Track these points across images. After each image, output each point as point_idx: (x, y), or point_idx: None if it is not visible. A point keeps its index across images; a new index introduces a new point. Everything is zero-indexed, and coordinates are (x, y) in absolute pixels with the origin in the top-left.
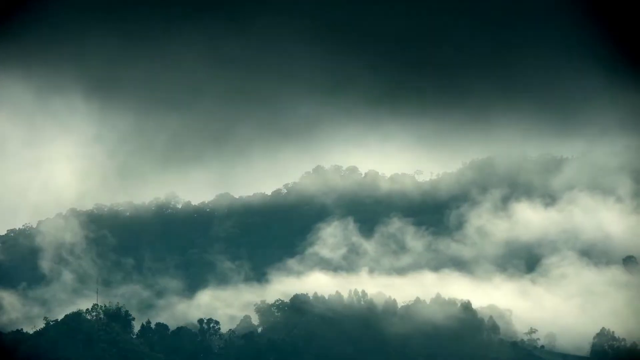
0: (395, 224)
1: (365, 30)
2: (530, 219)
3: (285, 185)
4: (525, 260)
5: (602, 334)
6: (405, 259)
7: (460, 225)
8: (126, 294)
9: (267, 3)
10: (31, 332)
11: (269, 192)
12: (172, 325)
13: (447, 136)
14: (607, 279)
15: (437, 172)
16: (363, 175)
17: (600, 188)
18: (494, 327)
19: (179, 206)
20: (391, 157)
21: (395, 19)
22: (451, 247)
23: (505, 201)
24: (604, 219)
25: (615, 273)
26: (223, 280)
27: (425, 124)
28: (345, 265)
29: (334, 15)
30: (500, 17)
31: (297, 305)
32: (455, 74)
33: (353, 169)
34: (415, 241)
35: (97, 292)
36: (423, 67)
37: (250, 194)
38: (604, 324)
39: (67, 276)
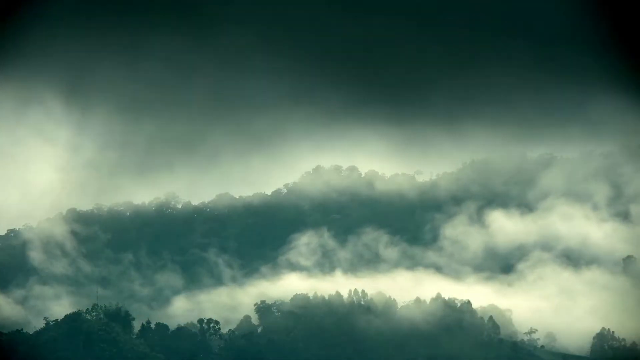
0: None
1: (328, 40)
2: (507, 227)
3: (285, 185)
4: (503, 265)
5: (602, 334)
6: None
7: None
8: (125, 294)
9: (234, 14)
10: (31, 332)
11: (269, 192)
12: (172, 325)
13: (424, 141)
14: (586, 280)
15: (437, 172)
16: (363, 175)
17: (577, 195)
18: (494, 327)
19: (179, 206)
20: (391, 157)
21: (358, 27)
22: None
23: (484, 207)
24: (581, 226)
25: (596, 273)
26: (221, 280)
27: (392, 132)
28: (345, 266)
29: (298, 25)
30: (463, 26)
31: (297, 305)
32: (418, 81)
33: (353, 169)
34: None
35: (96, 292)
36: (385, 77)
37: (251, 194)
38: (580, 323)
39: (67, 276)
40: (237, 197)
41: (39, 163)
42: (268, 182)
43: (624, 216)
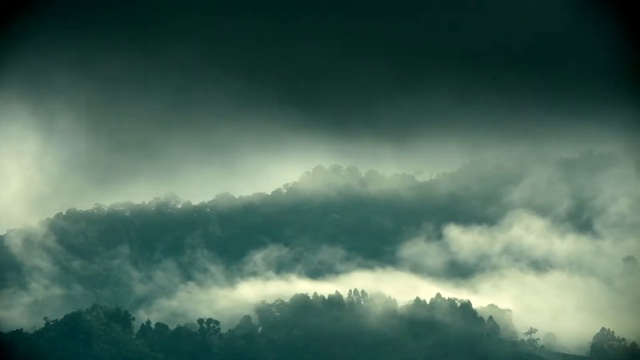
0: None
1: (274, 60)
2: (468, 242)
3: (285, 185)
4: (465, 274)
5: (602, 333)
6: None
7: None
8: (124, 294)
9: (184, 33)
10: (31, 332)
11: (269, 192)
12: (172, 325)
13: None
14: (550, 281)
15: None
16: (363, 175)
17: (538, 207)
18: (494, 327)
19: (179, 206)
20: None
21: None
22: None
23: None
24: (543, 237)
25: (561, 275)
26: (219, 280)
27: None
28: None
29: (246, 42)
30: (409, 49)
31: (297, 305)
32: (364, 100)
33: (353, 169)
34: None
35: (96, 292)
36: (332, 94)
37: (250, 194)
38: (580, 324)
39: (66, 276)
40: (237, 197)
41: (31, 165)
42: (268, 182)
43: (586, 228)
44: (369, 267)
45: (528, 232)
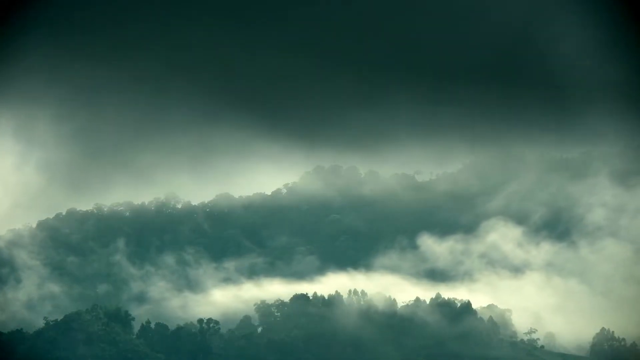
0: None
1: (242, 75)
2: (440, 250)
3: (285, 185)
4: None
5: (602, 333)
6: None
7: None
8: (124, 294)
9: (155, 45)
10: (31, 332)
11: (269, 192)
12: (172, 325)
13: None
14: (527, 282)
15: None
16: (363, 175)
17: (514, 216)
18: (494, 327)
19: (179, 206)
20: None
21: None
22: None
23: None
24: (518, 248)
25: (537, 277)
26: (217, 280)
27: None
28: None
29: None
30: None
31: (297, 305)
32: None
33: (353, 169)
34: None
35: (96, 292)
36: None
37: (250, 194)
38: (580, 323)
39: (66, 275)
40: (237, 197)
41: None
42: (268, 183)
43: (562, 237)
44: (354, 269)
45: (505, 241)
